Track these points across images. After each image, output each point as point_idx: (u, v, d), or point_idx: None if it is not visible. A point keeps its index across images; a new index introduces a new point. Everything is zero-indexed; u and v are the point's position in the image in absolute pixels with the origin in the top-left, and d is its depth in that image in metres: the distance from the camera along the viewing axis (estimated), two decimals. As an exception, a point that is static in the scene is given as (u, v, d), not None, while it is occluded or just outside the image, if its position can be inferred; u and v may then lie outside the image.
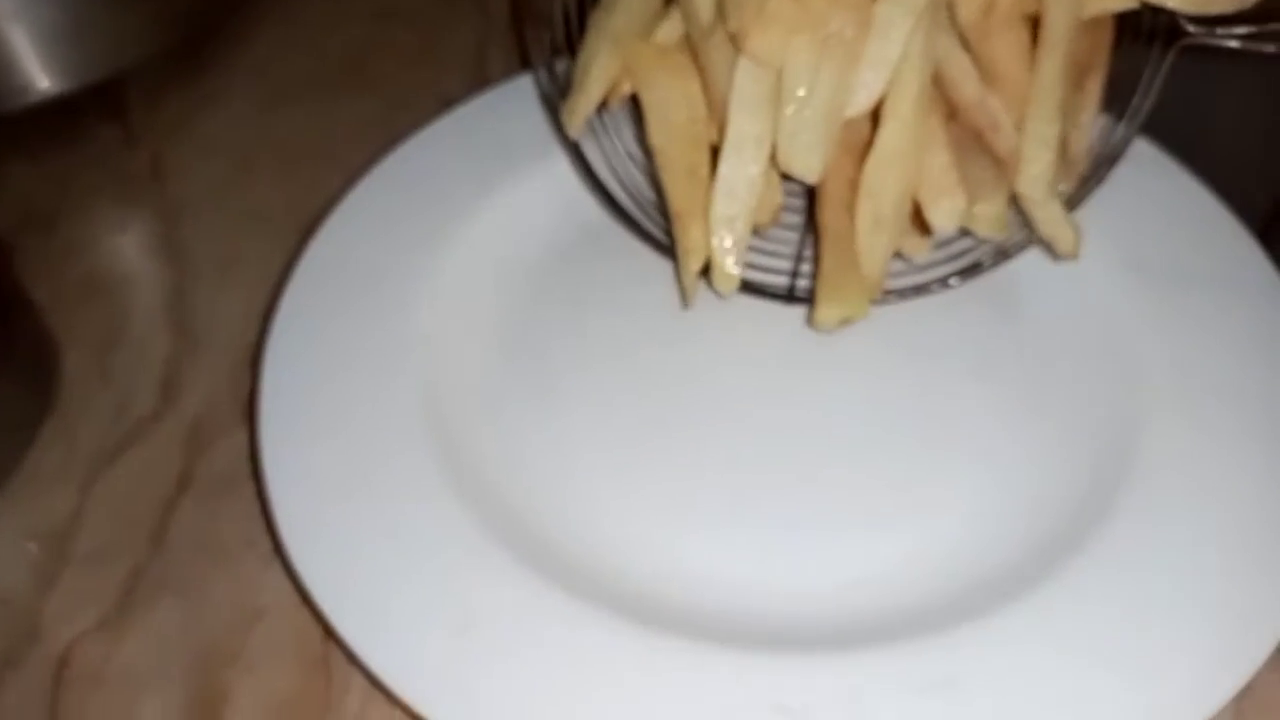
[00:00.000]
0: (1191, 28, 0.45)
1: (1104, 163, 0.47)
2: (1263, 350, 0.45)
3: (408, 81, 0.65)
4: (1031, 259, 0.49)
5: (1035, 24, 0.43)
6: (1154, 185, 0.51)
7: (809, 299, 0.45)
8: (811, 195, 0.46)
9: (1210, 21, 0.44)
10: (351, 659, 0.40)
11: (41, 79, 0.59)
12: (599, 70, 0.45)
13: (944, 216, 0.43)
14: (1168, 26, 0.45)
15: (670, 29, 0.45)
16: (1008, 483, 0.43)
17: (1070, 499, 0.42)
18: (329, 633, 0.41)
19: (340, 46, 0.68)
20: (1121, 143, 0.47)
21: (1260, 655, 0.37)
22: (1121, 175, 0.48)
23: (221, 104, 0.65)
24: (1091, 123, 0.46)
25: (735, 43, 0.41)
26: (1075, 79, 0.44)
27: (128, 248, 0.58)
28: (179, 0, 0.63)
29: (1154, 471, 0.42)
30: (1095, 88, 0.46)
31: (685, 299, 0.46)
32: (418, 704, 0.37)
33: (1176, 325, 0.46)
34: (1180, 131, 0.53)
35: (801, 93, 0.40)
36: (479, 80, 0.63)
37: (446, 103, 0.58)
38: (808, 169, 0.41)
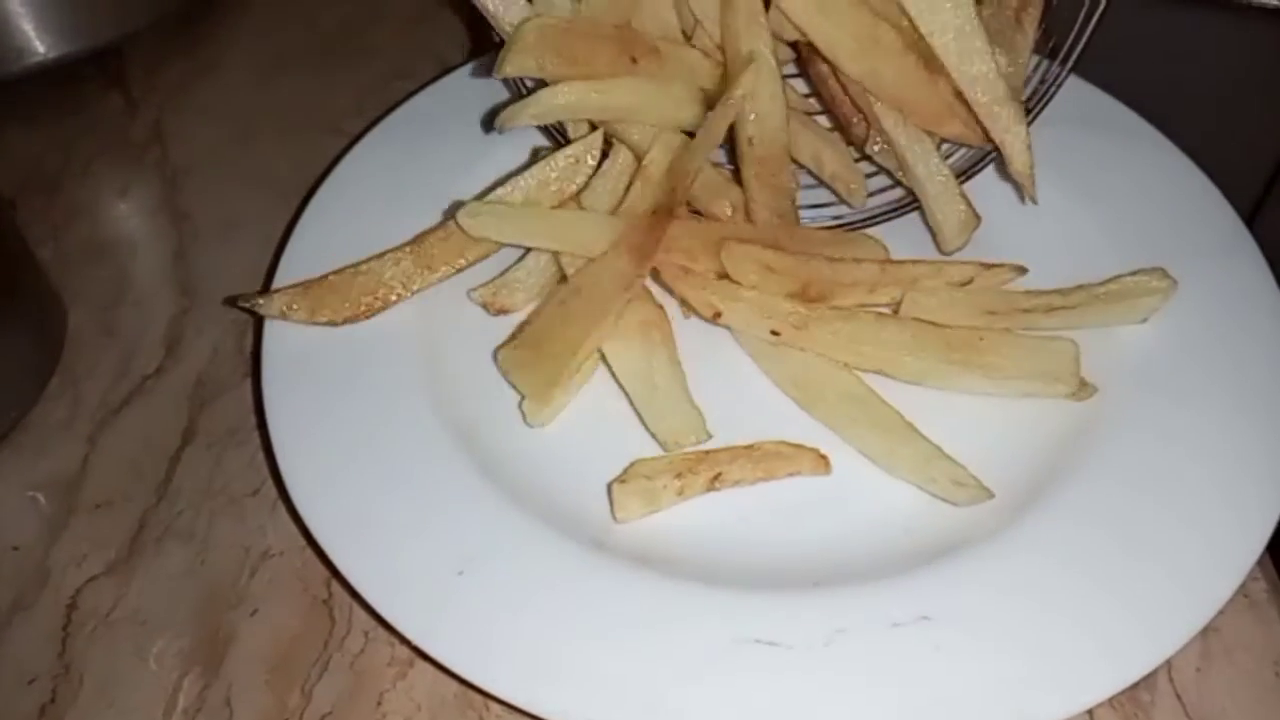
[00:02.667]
0: None
1: (1040, 97, 0.49)
2: (1239, 319, 0.47)
3: (404, 47, 0.66)
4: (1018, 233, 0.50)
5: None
6: (1138, 154, 0.53)
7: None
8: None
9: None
10: (354, 599, 0.41)
11: (38, 42, 0.60)
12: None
13: None
14: None
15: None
16: (978, 433, 0.44)
17: (1037, 449, 0.44)
18: (333, 574, 0.42)
19: (337, 14, 0.69)
20: (1055, 80, 0.49)
21: (1221, 597, 0.39)
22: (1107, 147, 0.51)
23: (220, 71, 0.66)
24: (1028, 58, 0.49)
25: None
26: (1013, 16, 0.47)
27: (130, 210, 0.60)
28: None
29: (1118, 427, 0.44)
30: (1031, 24, 0.48)
31: None
32: (419, 639, 0.39)
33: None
34: (1174, 112, 0.55)
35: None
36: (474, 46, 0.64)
37: (443, 67, 0.59)
38: None
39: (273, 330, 0.47)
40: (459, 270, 0.48)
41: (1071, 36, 0.48)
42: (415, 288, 0.47)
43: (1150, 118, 0.55)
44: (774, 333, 0.44)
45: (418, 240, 0.48)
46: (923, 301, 0.45)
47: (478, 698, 0.40)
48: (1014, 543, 0.41)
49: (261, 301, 0.47)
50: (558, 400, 0.45)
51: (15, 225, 0.52)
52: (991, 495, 0.42)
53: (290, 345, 0.47)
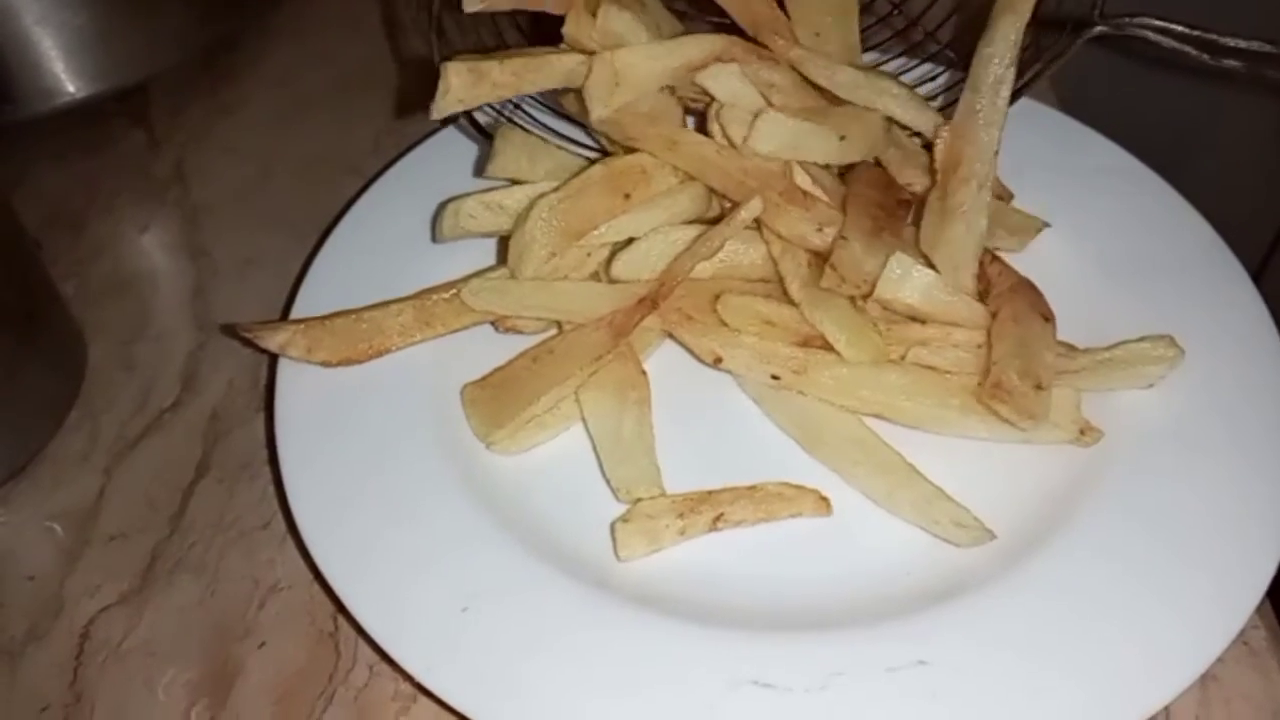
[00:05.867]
0: (1100, 22, 0.49)
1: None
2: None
3: (422, 88, 0.67)
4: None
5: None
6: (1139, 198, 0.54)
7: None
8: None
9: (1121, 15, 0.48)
10: (360, 634, 0.42)
11: (68, 83, 0.62)
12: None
13: None
14: (1077, 16, 0.49)
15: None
16: (979, 476, 0.45)
17: (1037, 492, 0.44)
18: (339, 609, 0.43)
19: (356, 56, 0.71)
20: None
21: (1219, 646, 0.39)
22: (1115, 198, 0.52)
23: (241, 112, 0.68)
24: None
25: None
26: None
27: (152, 246, 0.61)
28: (198, 8, 0.66)
29: (1119, 473, 0.44)
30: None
31: None
32: (421, 675, 0.39)
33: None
34: (1183, 164, 0.56)
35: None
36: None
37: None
38: None
39: (286, 367, 0.48)
40: (456, 330, 0.49)
41: (1032, 69, 0.50)
42: (412, 341, 0.48)
43: (1160, 166, 0.55)
44: (774, 377, 0.45)
45: (421, 296, 0.49)
46: (927, 357, 0.45)
47: (479, 734, 0.40)
48: (1013, 587, 0.41)
49: (261, 333, 0.48)
50: (511, 434, 0.46)
51: (41, 263, 0.53)
52: (994, 536, 0.42)
53: (303, 382, 0.48)
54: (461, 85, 0.46)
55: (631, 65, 0.46)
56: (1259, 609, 0.41)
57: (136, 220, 0.62)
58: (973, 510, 0.43)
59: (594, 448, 0.45)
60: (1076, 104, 0.61)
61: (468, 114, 0.52)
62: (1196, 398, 0.46)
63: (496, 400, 0.46)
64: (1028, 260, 0.50)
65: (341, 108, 0.68)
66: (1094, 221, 0.53)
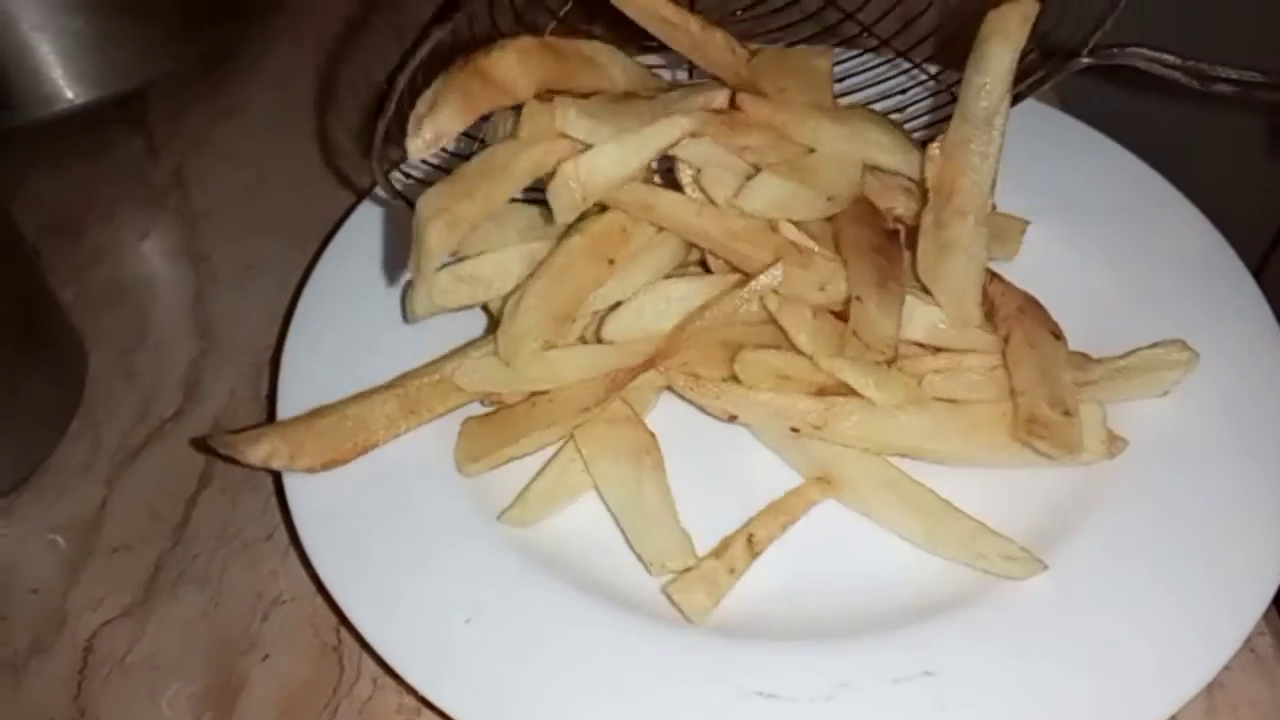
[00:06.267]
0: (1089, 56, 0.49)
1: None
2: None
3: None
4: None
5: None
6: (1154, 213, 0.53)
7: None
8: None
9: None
10: (363, 646, 0.42)
11: (67, 89, 0.62)
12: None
13: None
14: (1068, 48, 0.49)
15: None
16: (983, 491, 0.44)
17: (1043, 506, 0.44)
18: (342, 622, 0.43)
19: (352, 64, 0.71)
20: None
21: (1227, 652, 0.39)
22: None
23: (240, 118, 0.68)
24: None
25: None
26: None
27: (151, 253, 0.61)
28: (196, 13, 0.66)
29: (1125, 485, 0.44)
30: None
31: None
32: (424, 688, 0.39)
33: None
34: (1183, 165, 0.55)
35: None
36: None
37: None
38: None
39: (288, 377, 0.48)
40: (442, 414, 0.47)
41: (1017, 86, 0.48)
42: (398, 432, 0.46)
43: (1160, 166, 0.55)
44: (793, 429, 0.44)
45: (404, 382, 0.47)
46: (942, 386, 0.44)
47: (484, 746, 0.40)
48: (1018, 596, 0.41)
49: (240, 448, 0.45)
50: (487, 467, 0.45)
51: (40, 270, 0.53)
52: (1045, 567, 0.41)
53: (305, 393, 0.48)
54: (441, 240, 0.44)
55: (597, 171, 0.44)
56: (1266, 616, 0.41)
57: (136, 227, 0.62)
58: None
59: (615, 520, 0.44)
60: (1077, 103, 0.61)
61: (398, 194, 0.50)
62: (1201, 403, 0.46)
63: (487, 435, 0.45)
64: (1029, 265, 0.50)
65: (339, 113, 0.67)
66: (1096, 223, 0.53)
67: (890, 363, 0.44)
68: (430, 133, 0.42)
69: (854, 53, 0.57)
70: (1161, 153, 0.56)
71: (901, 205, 0.49)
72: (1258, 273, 0.50)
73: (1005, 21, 0.41)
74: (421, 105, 0.43)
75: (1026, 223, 0.52)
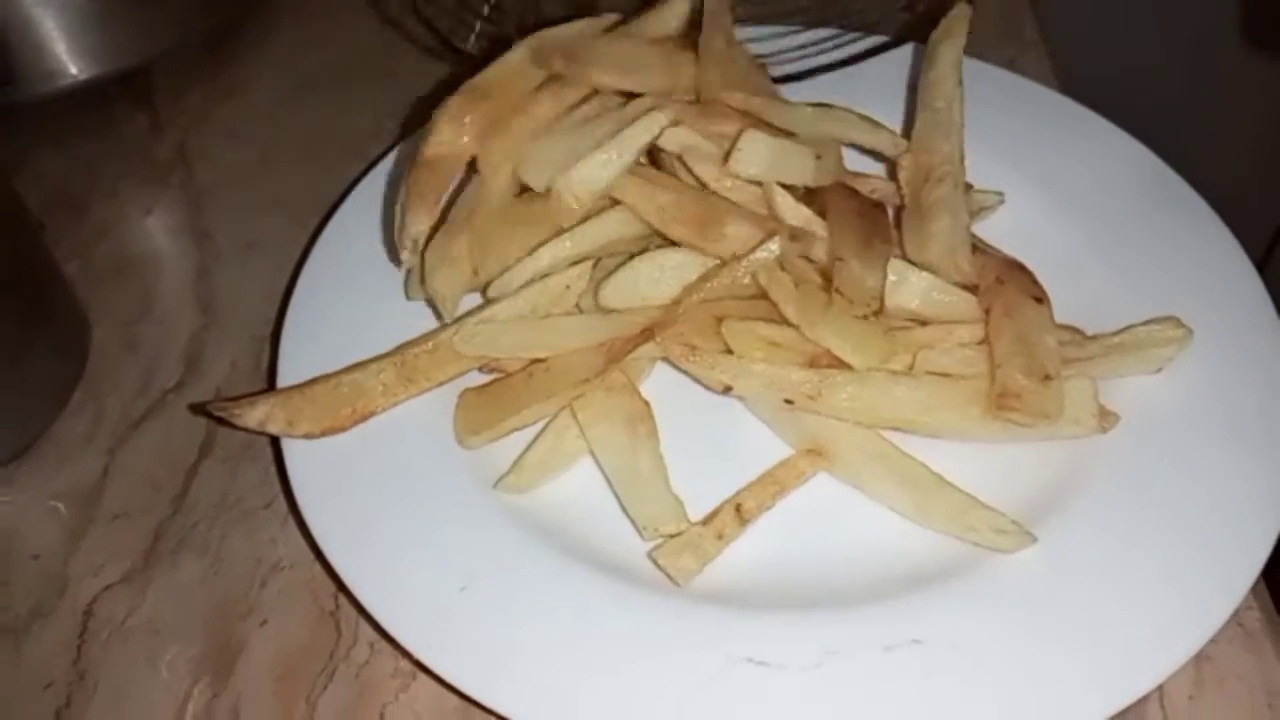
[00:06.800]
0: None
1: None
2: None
3: (423, 73, 0.67)
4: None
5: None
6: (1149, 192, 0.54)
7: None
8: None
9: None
10: (360, 612, 0.42)
11: (70, 64, 0.62)
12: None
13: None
14: None
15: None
16: (971, 463, 0.44)
17: (1032, 478, 0.44)
18: (340, 588, 0.44)
19: (358, 40, 0.71)
20: None
21: (1213, 626, 0.39)
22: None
23: (243, 95, 0.68)
24: None
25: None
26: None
27: (155, 229, 0.61)
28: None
29: (1116, 457, 0.44)
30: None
31: None
32: (420, 654, 0.40)
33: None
34: (1188, 160, 0.56)
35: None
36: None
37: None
38: None
39: (287, 349, 0.49)
40: (441, 384, 0.47)
41: None
42: (396, 400, 0.46)
43: (1170, 155, 0.55)
44: (788, 401, 0.44)
45: (400, 351, 0.47)
46: (936, 360, 0.45)
47: (478, 712, 0.41)
48: (1008, 567, 0.41)
49: (237, 411, 0.45)
50: (486, 440, 0.46)
51: (44, 244, 0.54)
52: (1035, 540, 0.41)
53: (304, 364, 0.48)
54: (448, 283, 0.47)
55: (587, 181, 0.47)
56: (1254, 590, 0.41)
57: (140, 203, 0.62)
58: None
59: (609, 484, 0.44)
60: (1076, 85, 0.61)
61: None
62: (1193, 379, 0.46)
63: (485, 407, 0.46)
64: (1023, 244, 0.50)
65: (344, 91, 0.68)
66: (1092, 202, 0.53)
67: (876, 314, 0.44)
68: (409, 242, 0.48)
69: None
70: (1165, 141, 0.56)
71: (881, 189, 0.50)
72: (1261, 265, 0.50)
73: (949, 29, 0.51)
74: (397, 221, 0.48)
75: (1000, 194, 0.53)
